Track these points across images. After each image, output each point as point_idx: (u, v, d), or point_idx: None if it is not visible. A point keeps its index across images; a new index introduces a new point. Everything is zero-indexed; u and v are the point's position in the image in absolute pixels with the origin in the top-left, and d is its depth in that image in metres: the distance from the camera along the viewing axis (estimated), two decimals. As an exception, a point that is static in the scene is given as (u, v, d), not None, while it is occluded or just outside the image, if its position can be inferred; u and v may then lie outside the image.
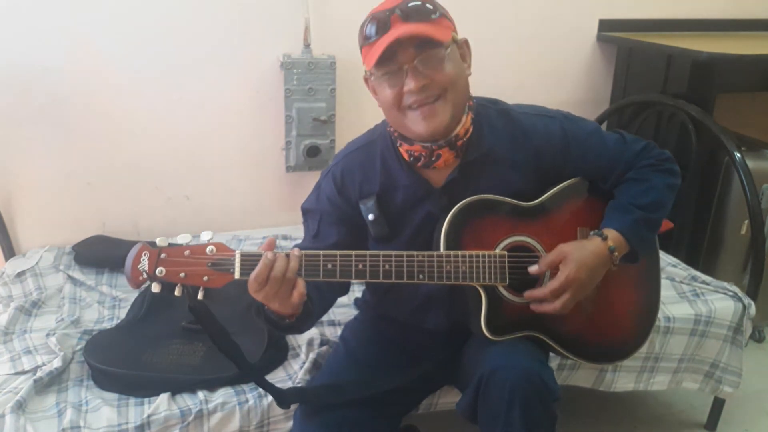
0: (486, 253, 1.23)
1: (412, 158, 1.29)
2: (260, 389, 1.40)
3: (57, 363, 1.43)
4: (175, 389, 1.39)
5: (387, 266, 1.17)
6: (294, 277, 1.12)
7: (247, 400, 1.39)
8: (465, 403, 1.27)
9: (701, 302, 1.77)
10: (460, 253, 1.21)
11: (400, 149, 1.30)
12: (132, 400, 1.37)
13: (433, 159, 1.27)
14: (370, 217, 1.30)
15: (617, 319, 1.39)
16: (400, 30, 1.16)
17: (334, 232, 1.33)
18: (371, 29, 1.19)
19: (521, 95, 1.44)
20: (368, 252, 1.17)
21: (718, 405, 1.91)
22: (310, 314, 1.23)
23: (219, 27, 2.05)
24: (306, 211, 1.39)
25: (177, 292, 1.12)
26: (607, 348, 1.38)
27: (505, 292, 1.26)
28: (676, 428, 1.97)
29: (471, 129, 1.28)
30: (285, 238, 2.12)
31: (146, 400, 1.37)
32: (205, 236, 1.12)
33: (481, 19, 2.31)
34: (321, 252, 1.15)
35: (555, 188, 1.33)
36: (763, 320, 2.37)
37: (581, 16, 2.46)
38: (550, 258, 1.25)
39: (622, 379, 1.72)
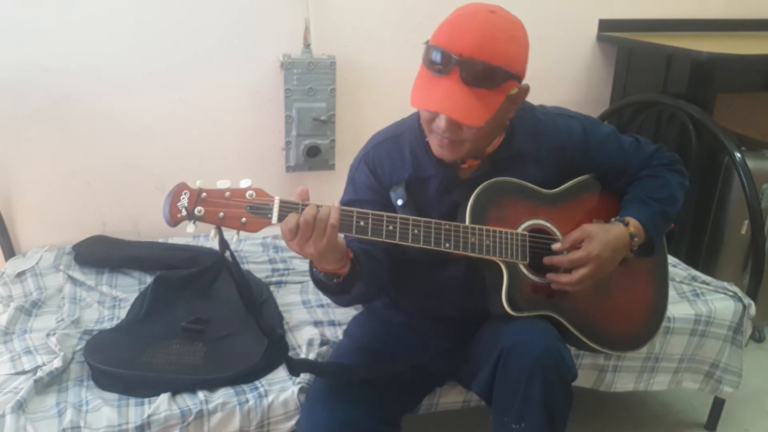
0: (509, 231, 1.28)
1: None
2: (260, 389, 1.41)
3: (57, 363, 1.43)
4: (175, 389, 1.39)
5: (416, 230, 1.20)
6: (325, 224, 1.10)
7: (247, 400, 1.39)
8: (483, 380, 1.29)
9: (701, 302, 1.78)
10: (485, 227, 1.26)
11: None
12: (132, 400, 1.37)
13: (459, 162, 1.32)
14: (399, 202, 1.34)
15: (629, 311, 1.44)
16: (450, 91, 1.14)
17: None
18: (435, 57, 1.16)
19: (521, 95, 1.46)
20: (399, 215, 1.20)
21: (718, 405, 1.92)
22: (358, 276, 1.23)
23: (219, 27, 2.05)
24: (346, 206, 1.39)
25: (212, 234, 1.12)
26: (617, 337, 1.42)
27: (525, 270, 1.30)
28: (676, 428, 1.97)
29: (501, 140, 1.33)
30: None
31: (146, 400, 1.37)
32: (244, 183, 1.13)
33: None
34: (355, 209, 1.16)
35: (573, 180, 1.40)
36: (763, 320, 2.37)
37: (581, 16, 2.46)
38: (574, 236, 1.30)
39: (622, 379, 1.72)
